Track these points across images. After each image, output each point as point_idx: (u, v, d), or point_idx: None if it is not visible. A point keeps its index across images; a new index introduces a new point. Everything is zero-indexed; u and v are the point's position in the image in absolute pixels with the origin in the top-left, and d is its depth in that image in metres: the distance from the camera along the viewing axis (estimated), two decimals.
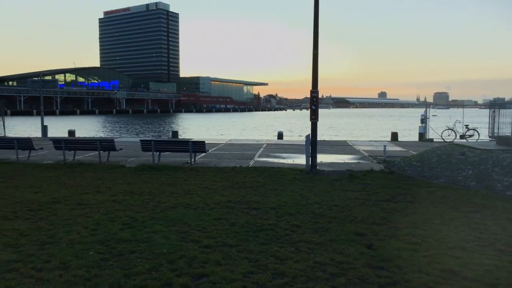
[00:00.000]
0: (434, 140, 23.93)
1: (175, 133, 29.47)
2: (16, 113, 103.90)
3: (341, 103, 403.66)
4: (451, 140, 21.76)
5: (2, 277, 4.78)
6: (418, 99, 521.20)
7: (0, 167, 13.39)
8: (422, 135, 25.11)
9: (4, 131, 28.96)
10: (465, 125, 23.74)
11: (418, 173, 12.04)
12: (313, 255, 5.52)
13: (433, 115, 29.12)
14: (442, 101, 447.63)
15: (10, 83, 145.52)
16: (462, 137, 23.30)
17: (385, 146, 16.24)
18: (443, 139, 23.27)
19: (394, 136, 25.40)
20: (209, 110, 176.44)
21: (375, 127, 63.22)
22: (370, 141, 25.98)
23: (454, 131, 23.86)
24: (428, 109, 25.94)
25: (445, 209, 8.01)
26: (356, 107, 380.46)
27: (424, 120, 25.22)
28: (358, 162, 15.18)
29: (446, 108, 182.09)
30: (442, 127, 24.95)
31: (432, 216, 7.47)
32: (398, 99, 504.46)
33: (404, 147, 20.00)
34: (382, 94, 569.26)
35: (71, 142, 16.09)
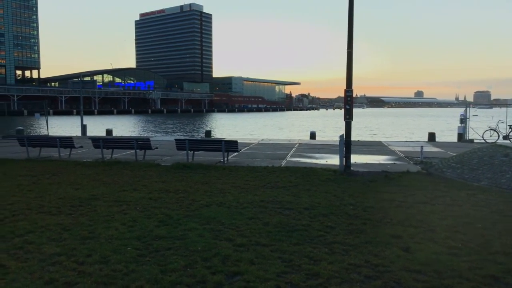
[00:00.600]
0: (475, 141, 23.00)
1: (208, 133, 29.87)
2: (57, 112, 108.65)
3: (375, 102, 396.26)
4: (494, 141, 20.83)
5: (47, 270, 5.01)
6: (457, 98, 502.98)
7: (44, 165, 14.04)
8: (461, 136, 24.19)
9: (47, 130, 30.36)
10: (508, 125, 22.64)
11: (458, 175, 11.61)
12: (347, 257, 5.45)
13: (473, 115, 27.97)
14: (483, 100, 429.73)
15: (53, 84, 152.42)
16: (505, 137, 22.23)
17: (422, 146, 15.75)
18: (484, 140, 22.30)
19: (432, 136, 24.59)
20: (241, 110, 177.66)
21: (411, 127, 61.51)
22: (406, 141, 25.30)
23: (496, 131, 22.80)
24: (468, 108, 24.96)
25: (487, 213, 7.68)
26: (391, 106, 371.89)
27: (463, 120, 24.29)
28: (394, 163, 14.82)
29: (489, 107, 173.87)
30: (483, 127, 23.89)
31: (474, 220, 7.18)
32: (435, 99, 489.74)
33: (442, 148, 19.34)
34: (419, 94, 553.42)
35: (109, 141, 16.66)
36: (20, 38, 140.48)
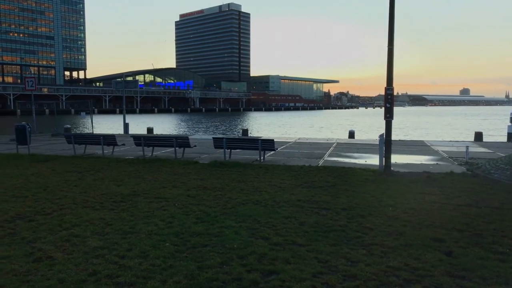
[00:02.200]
0: None
1: (245, 131, 30.05)
2: (102, 111, 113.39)
3: (417, 100, 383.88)
4: None
5: (90, 262, 5.24)
6: (507, 96, 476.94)
7: (89, 161, 14.67)
8: (511, 136, 22.89)
9: (92, 128, 31.70)
10: None
11: (507, 177, 10.98)
12: (386, 259, 5.30)
13: None
14: None
15: (98, 84, 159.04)
16: None
17: (467, 147, 15.04)
18: None
19: (478, 136, 23.42)
20: (278, 109, 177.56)
21: (456, 126, 58.97)
22: (450, 141, 24.27)
23: None
24: None
25: None
26: (435, 105, 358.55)
27: None
28: (437, 163, 14.26)
29: None
30: None
31: None
32: (483, 96, 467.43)
33: (490, 148, 18.39)
34: (465, 91, 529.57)
35: (149, 139, 17.15)
36: (69, 40, 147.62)
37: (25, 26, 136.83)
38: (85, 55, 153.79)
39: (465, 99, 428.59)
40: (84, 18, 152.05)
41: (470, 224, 6.84)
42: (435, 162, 14.49)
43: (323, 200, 8.56)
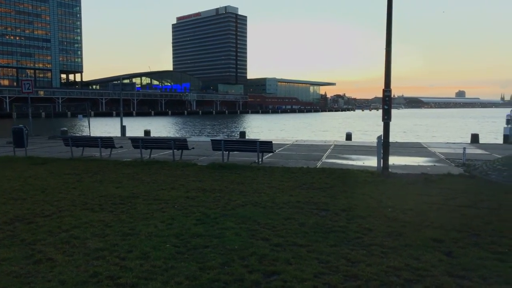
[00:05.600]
0: None
1: (242, 134, 30.05)
2: (98, 114, 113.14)
3: (414, 103, 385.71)
4: None
5: (91, 264, 5.23)
6: (502, 98, 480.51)
7: (87, 164, 14.63)
8: (507, 138, 23.04)
9: (89, 130, 31.63)
10: None
11: (504, 178, 11.05)
12: (386, 260, 5.32)
13: None
14: None
15: (94, 86, 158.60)
16: None
17: (464, 148, 15.13)
18: None
19: (475, 138, 23.54)
20: (274, 111, 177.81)
21: (452, 128, 59.24)
22: (447, 143, 24.37)
23: None
24: None
25: None
26: (430, 107, 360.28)
27: (510, 120, 23.13)
28: (434, 165, 14.33)
29: None
30: None
31: None
32: (478, 98, 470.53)
33: (487, 150, 18.50)
34: (460, 93, 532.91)
35: (147, 141, 17.11)
36: (65, 43, 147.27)
37: (21, 28, 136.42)
38: (81, 58, 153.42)
39: (460, 101, 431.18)
40: (80, 21, 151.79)
41: (469, 224, 6.88)
42: (432, 164, 14.55)
43: (322, 202, 8.58)
